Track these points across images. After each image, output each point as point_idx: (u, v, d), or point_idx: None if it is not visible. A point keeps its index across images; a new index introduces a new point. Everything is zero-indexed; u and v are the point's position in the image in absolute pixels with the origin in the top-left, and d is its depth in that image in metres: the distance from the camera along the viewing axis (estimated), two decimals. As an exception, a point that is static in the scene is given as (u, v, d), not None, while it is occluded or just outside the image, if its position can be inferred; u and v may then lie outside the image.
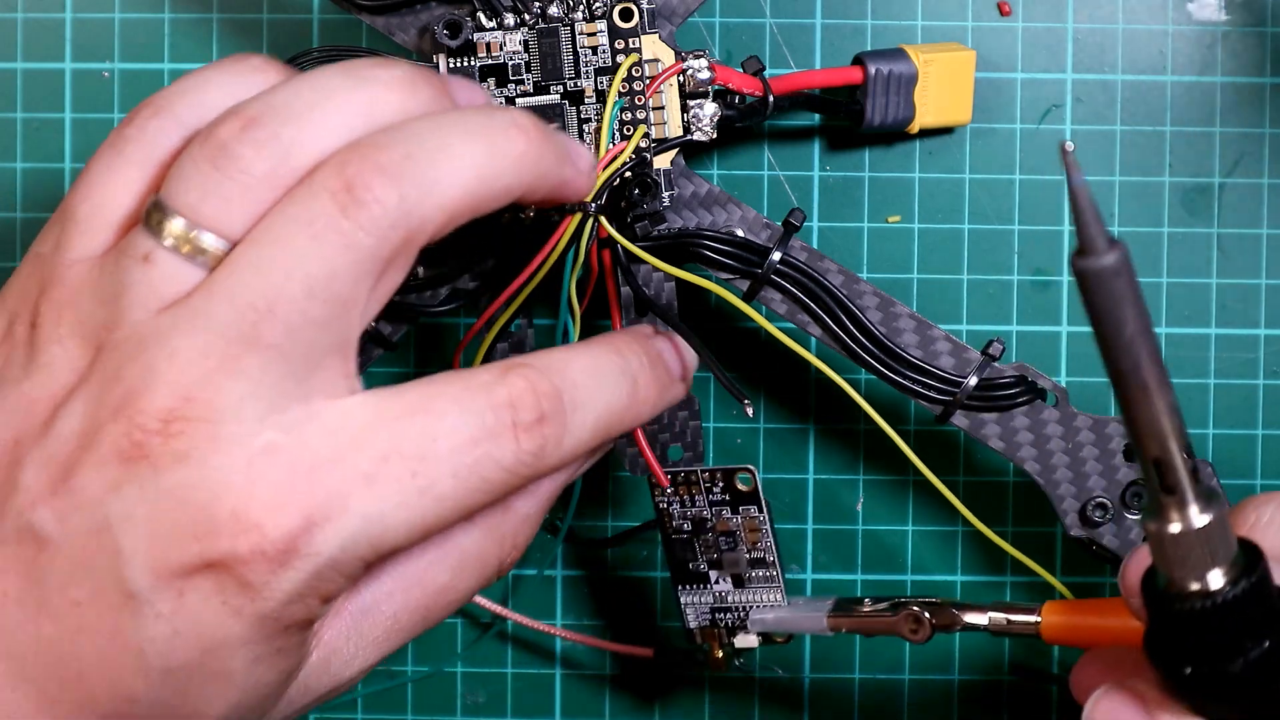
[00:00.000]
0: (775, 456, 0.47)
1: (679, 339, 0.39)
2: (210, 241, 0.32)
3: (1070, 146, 0.29)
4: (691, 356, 0.39)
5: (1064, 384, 0.45)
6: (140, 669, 0.32)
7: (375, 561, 0.33)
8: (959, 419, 0.42)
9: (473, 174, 0.33)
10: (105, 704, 0.32)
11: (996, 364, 0.42)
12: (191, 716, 0.33)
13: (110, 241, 0.34)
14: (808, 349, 0.41)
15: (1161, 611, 0.32)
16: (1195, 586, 0.31)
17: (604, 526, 0.48)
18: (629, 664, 0.48)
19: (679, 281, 0.42)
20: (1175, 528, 0.31)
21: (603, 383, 0.36)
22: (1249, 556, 0.32)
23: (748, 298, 0.42)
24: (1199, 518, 0.31)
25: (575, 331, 0.40)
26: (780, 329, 0.40)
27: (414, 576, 0.36)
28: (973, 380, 0.42)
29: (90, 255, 0.34)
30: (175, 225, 0.32)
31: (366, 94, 0.34)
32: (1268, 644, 0.31)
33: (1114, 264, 0.28)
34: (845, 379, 0.41)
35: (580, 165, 0.37)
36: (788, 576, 0.47)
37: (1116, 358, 0.29)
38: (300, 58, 0.41)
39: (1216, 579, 0.31)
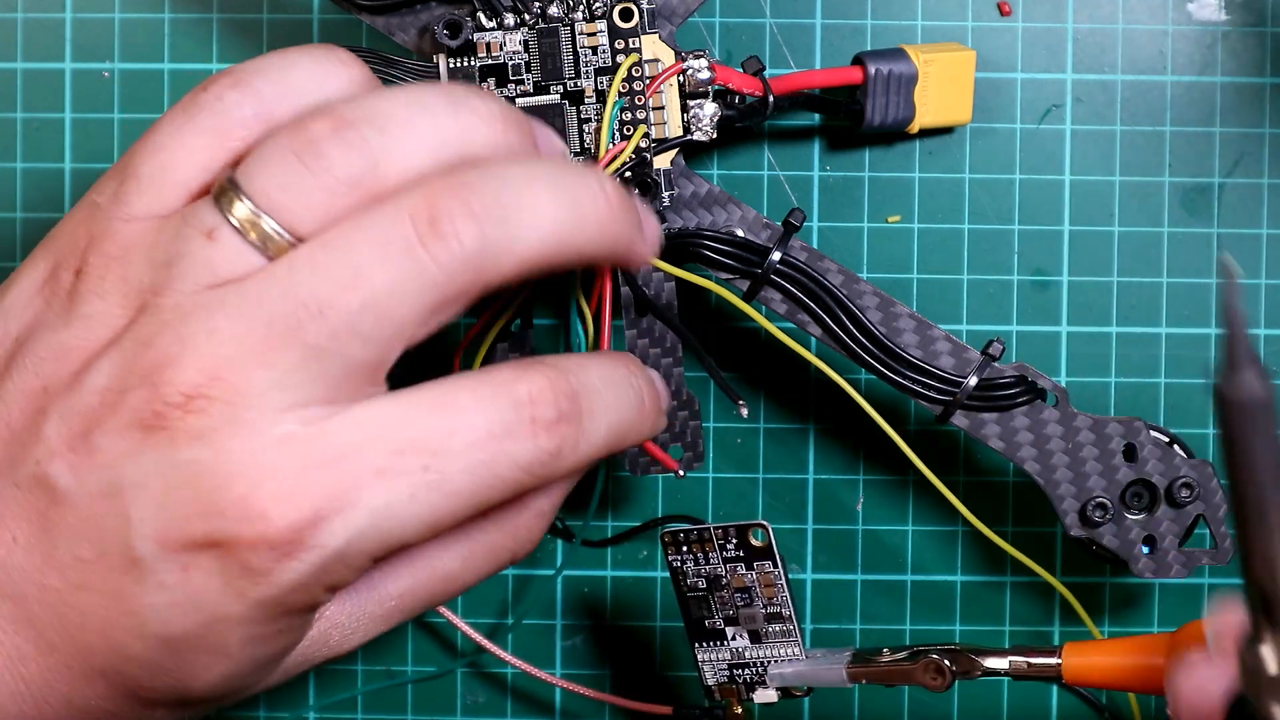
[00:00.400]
0: (775, 456, 0.47)
1: (656, 375, 0.39)
2: (275, 231, 0.32)
3: (1234, 267, 0.28)
4: (667, 396, 0.39)
5: (1064, 384, 0.45)
6: (138, 633, 0.32)
7: (382, 555, 0.33)
8: (959, 419, 0.42)
9: (554, 232, 0.33)
10: (102, 659, 0.33)
11: (996, 364, 0.42)
12: (185, 680, 0.33)
13: (171, 205, 0.34)
14: (808, 349, 0.41)
15: None
16: None
17: (604, 526, 0.48)
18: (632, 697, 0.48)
19: (679, 281, 0.42)
20: (1274, 666, 0.30)
21: (617, 393, 0.36)
22: None
23: (748, 298, 0.42)
24: None
25: (586, 331, 0.40)
26: (780, 329, 0.40)
27: (424, 563, 0.37)
28: (973, 380, 0.42)
29: (148, 214, 0.33)
30: (245, 208, 0.32)
31: (462, 122, 0.34)
32: None
33: (1262, 398, 0.28)
34: (845, 379, 0.41)
35: (649, 236, 0.37)
36: (789, 577, 0.47)
37: (1242, 485, 0.29)
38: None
39: None
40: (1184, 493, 0.42)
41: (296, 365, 0.32)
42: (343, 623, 0.36)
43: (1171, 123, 0.46)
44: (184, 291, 0.32)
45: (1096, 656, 0.39)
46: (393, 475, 0.32)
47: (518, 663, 0.46)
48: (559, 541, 0.48)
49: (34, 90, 0.47)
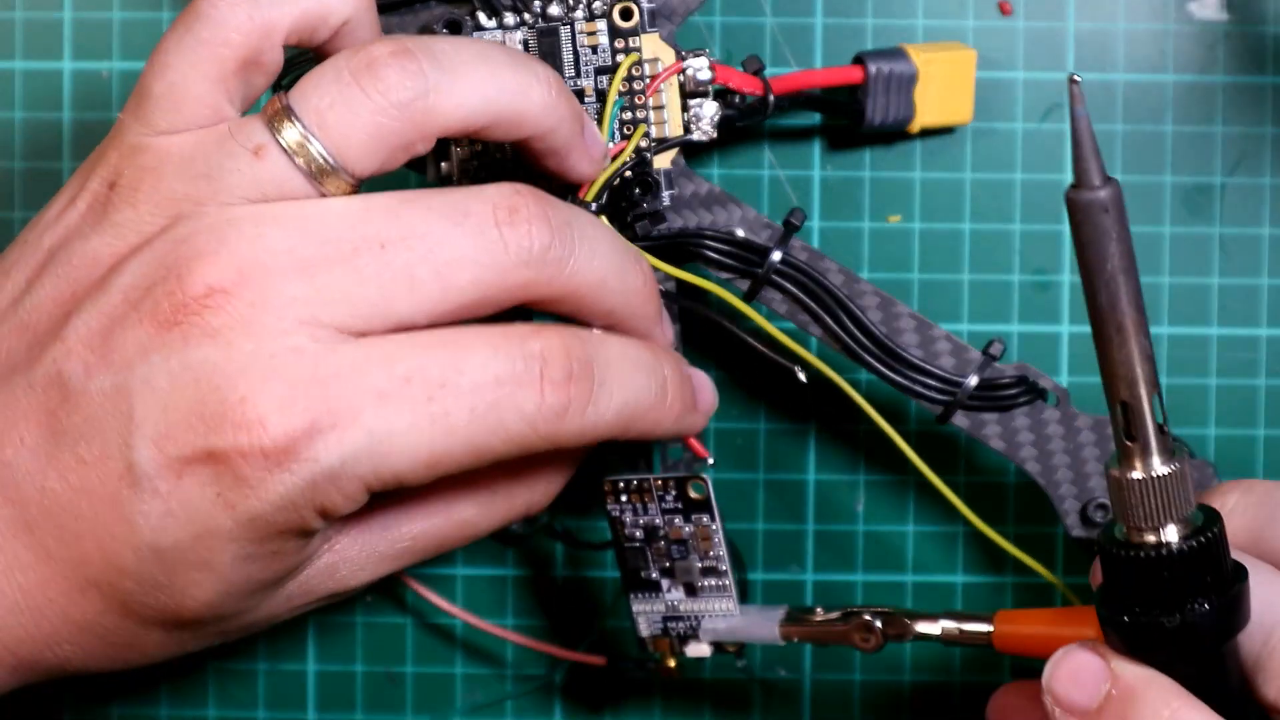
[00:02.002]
0: (775, 456, 0.47)
1: (704, 377, 0.40)
2: (322, 155, 0.33)
3: (1078, 78, 0.29)
4: (710, 400, 0.40)
5: (1065, 384, 0.45)
6: (131, 542, 0.33)
7: (377, 487, 0.33)
8: (959, 419, 0.42)
9: (604, 265, 0.35)
10: (97, 569, 0.33)
11: (997, 364, 0.42)
12: (177, 596, 0.34)
13: (193, 119, 0.34)
14: (808, 349, 0.41)
15: (1112, 557, 0.32)
16: (1149, 538, 0.31)
17: (603, 528, 0.48)
18: (581, 670, 0.48)
19: (679, 281, 0.42)
20: (1135, 475, 0.31)
21: (635, 372, 0.36)
22: (1207, 518, 0.32)
23: (748, 298, 0.42)
24: (1160, 468, 0.31)
25: None
26: (780, 329, 0.40)
27: (442, 507, 0.37)
28: (973, 380, 0.42)
29: (175, 129, 0.34)
30: (296, 131, 0.33)
31: (521, 80, 0.35)
32: (1208, 606, 0.31)
33: (1105, 198, 0.29)
34: (845, 379, 0.41)
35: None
36: (789, 578, 0.47)
37: (1096, 294, 0.30)
38: (299, 58, 0.41)
39: (1171, 534, 0.31)
40: (1185, 493, 0.42)
41: (334, 286, 0.32)
42: (353, 557, 0.36)
43: (1173, 122, 0.46)
44: (227, 204, 0.33)
45: (1028, 625, 0.38)
46: (395, 400, 0.32)
47: (517, 637, 0.46)
48: (558, 544, 0.48)
49: (33, 90, 0.47)
